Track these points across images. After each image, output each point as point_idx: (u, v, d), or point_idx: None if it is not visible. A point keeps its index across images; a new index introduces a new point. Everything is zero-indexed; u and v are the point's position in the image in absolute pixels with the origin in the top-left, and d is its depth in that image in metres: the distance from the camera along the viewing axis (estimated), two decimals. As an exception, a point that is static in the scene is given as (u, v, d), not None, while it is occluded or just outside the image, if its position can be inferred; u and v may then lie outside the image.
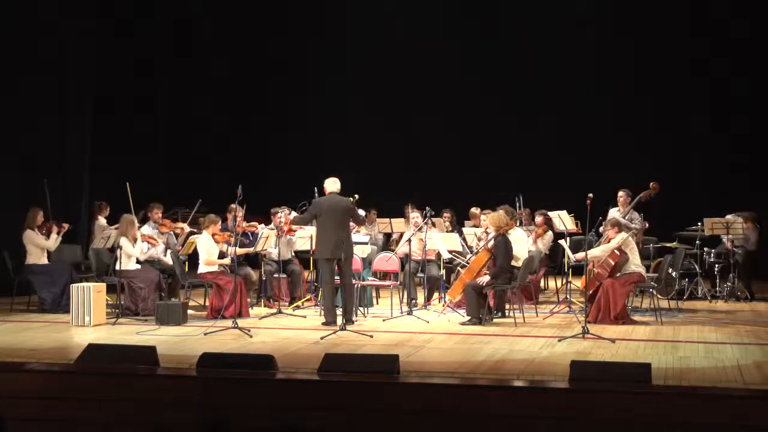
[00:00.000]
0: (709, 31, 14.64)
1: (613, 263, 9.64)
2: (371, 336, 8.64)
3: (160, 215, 11.19)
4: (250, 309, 10.31)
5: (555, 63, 15.37)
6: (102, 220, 11.74)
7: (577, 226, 11.56)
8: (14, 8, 12.37)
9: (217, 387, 6.54)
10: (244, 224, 10.84)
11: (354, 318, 9.82)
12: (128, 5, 14.54)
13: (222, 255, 10.38)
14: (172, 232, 11.16)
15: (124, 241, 10.16)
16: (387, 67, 15.98)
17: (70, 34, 12.95)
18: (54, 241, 10.82)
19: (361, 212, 10.42)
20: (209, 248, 10.16)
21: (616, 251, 9.66)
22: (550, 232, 11.66)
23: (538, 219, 11.62)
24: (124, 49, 14.48)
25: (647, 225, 11.29)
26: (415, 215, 11.14)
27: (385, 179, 15.44)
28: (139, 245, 10.43)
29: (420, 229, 10.70)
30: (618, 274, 9.67)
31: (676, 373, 6.96)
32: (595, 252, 9.77)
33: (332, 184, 9.73)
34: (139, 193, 11.30)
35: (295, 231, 11.04)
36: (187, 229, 11.17)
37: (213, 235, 10.23)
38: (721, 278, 11.94)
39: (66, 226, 11.12)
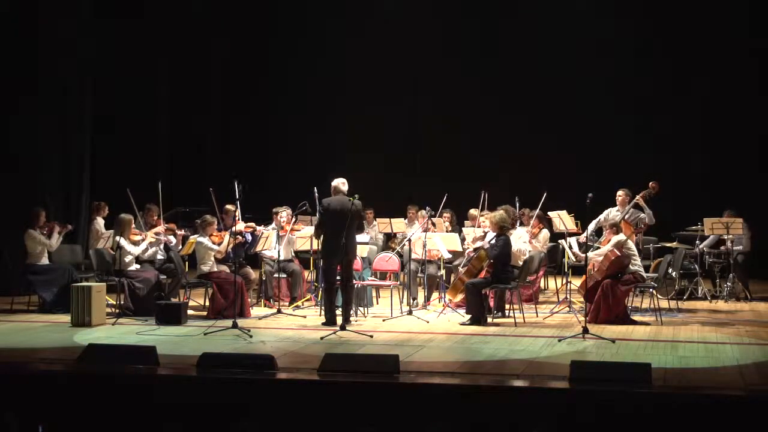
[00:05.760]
0: (711, 31, 14.66)
1: (608, 262, 9.64)
2: (371, 336, 8.64)
3: (156, 217, 11.18)
4: (251, 309, 10.32)
5: (555, 63, 15.37)
6: (100, 221, 11.71)
7: (577, 226, 11.56)
8: (15, 10, 12.41)
9: (217, 387, 6.54)
10: (241, 224, 10.81)
11: (354, 319, 9.83)
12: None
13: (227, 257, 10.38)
14: (171, 236, 11.15)
15: (123, 242, 10.17)
16: (388, 67, 16.00)
17: (70, 32, 12.92)
18: (56, 240, 10.82)
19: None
20: (210, 248, 10.14)
21: (616, 251, 9.66)
22: (545, 231, 11.64)
23: (535, 219, 11.57)
24: (123, 47, 14.50)
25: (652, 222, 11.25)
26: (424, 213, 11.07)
27: (385, 179, 15.46)
28: (144, 244, 10.43)
29: (426, 230, 10.72)
30: (619, 275, 9.67)
31: (676, 373, 6.96)
32: (592, 255, 9.78)
33: (342, 185, 9.69)
34: (139, 194, 11.26)
35: (296, 230, 11.02)
36: (180, 231, 11.22)
37: (210, 236, 10.23)
38: (721, 278, 11.96)
39: (68, 226, 11.10)
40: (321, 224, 9.70)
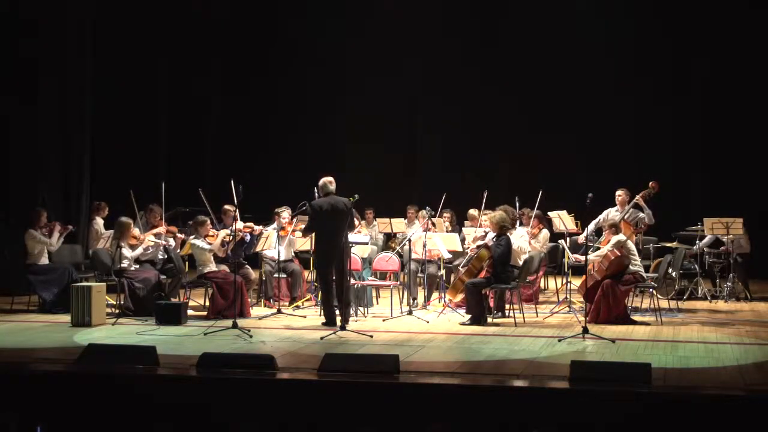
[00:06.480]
0: (711, 30, 14.67)
1: (608, 262, 9.64)
2: (371, 336, 8.64)
3: (158, 218, 11.16)
4: (251, 309, 10.31)
5: (556, 63, 15.38)
6: (99, 221, 11.70)
7: (577, 226, 11.56)
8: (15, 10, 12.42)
9: (217, 387, 6.54)
10: (240, 224, 10.80)
11: (354, 319, 9.83)
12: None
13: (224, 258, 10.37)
14: (171, 238, 11.14)
15: (121, 244, 10.17)
16: (388, 66, 16.00)
17: (70, 32, 12.91)
18: (57, 240, 10.81)
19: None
20: (204, 249, 10.13)
21: (616, 251, 9.66)
22: (545, 231, 11.64)
23: (534, 220, 11.55)
24: (123, 47, 14.49)
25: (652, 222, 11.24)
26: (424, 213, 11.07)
27: (385, 179, 15.47)
28: (140, 249, 10.42)
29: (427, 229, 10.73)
30: (619, 275, 9.67)
31: (676, 373, 6.96)
32: (591, 257, 9.78)
33: (330, 184, 9.69)
34: (139, 194, 11.26)
35: (296, 230, 11.02)
36: (180, 235, 11.21)
37: (205, 236, 10.23)
38: (721, 278, 11.96)
39: (70, 227, 11.10)
40: (310, 226, 9.69)
